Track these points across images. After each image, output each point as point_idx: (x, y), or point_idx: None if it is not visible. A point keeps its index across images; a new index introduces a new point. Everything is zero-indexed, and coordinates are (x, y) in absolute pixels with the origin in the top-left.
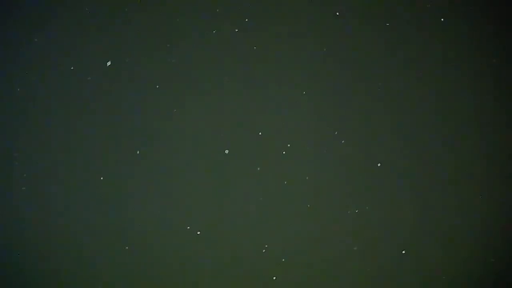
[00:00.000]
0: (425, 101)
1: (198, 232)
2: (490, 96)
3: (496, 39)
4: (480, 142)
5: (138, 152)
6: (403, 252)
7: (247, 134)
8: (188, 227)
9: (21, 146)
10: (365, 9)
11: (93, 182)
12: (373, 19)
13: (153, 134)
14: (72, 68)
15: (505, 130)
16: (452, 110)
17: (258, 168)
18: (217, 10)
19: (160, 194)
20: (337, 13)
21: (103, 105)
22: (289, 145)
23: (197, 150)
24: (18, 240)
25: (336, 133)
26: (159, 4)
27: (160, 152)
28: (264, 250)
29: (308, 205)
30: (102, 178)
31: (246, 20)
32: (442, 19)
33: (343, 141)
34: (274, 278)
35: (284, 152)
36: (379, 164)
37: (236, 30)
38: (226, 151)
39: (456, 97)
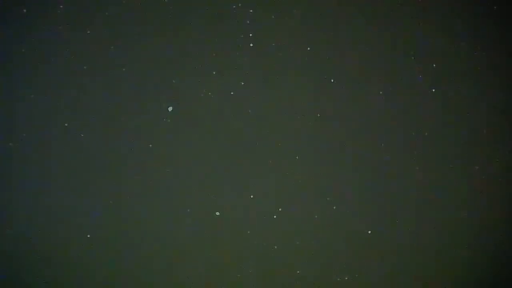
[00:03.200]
0: (425, 101)
1: None
2: (491, 96)
3: (496, 39)
4: (480, 142)
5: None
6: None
7: (239, 197)
8: None
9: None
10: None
11: (92, 182)
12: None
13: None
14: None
15: (505, 129)
16: (452, 110)
17: (248, 232)
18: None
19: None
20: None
21: (102, 106)
22: (280, 209)
23: (187, 212)
24: (17, 240)
25: (328, 199)
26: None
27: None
28: None
29: (298, 271)
30: (101, 179)
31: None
32: (444, 19)
33: (334, 207)
34: None
35: (275, 216)
36: (369, 232)
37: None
38: (217, 213)
39: (456, 97)
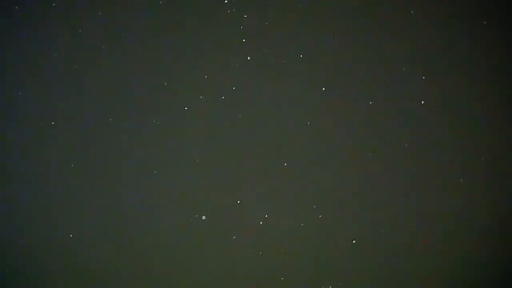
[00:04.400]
0: (425, 102)
1: None
2: (491, 95)
3: (496, 39)
4: (480, 142)
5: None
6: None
7: (226, 202)
8: None
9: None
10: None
11: (91, 182)
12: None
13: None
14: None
15: (505, 129)
16: (452, 110)
17: (234, 237)
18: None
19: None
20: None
21: (101, 106)
22: (266, 215)
23: (174, 215)
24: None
25: (314, 207)
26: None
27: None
28: None
29: (283, 278)
30: (101, 178)
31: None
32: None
33: (320, 216)
34: None
35: (261, 223)
36: (354, 241)
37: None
38: (203, 217)
39: (457, 97)
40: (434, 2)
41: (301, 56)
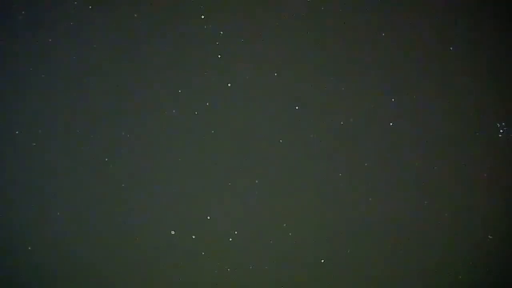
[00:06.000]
0: (426, 101)
1: None
2: (492, 95)
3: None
4: (481, 142)
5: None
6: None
7: (195, 217)
8: None
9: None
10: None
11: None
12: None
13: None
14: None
15: (505, 129)
16: (453, 110)
17: (203, 253)
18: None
19: None
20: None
21: (99, 108)
22: (236, 232)
23: (143, 230)
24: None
25: (284, 225)
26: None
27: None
28: None
29: None
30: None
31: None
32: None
33: (290, 234)
34: None
35: (230, 239)
36: (322, 261)
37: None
38: (173, 232)
39: (457, 97)
40: (402, 26)
41: (275, 74)
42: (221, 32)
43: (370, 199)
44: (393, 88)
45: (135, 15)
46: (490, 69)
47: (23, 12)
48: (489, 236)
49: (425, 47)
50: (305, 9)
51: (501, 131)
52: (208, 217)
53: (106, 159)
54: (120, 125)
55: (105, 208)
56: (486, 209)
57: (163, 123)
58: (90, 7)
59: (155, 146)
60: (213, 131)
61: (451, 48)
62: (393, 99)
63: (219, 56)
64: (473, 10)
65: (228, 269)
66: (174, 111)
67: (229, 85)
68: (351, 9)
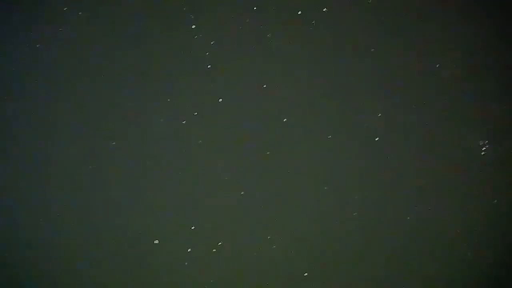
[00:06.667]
0: (426, 102)
1: None
2: (491, 95)
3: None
4: (480, 142)
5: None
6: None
7: (180, 227)
8: None
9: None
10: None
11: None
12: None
13: None
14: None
15: (505, 129)
16: (453, 110)
17: (186, 263)
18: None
19: None
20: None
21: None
22: (220, 243)
23: (127, 239)
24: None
25: (268, 237)
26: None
27: None
28: None
29: None
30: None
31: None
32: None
33: (274, 246)
34: None
35: (214, 250)
36: (305, 274)
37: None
38: (156, 241)
39: (457, 97)
40: (390, 42)
41: (264, 86)
42: (212, 42)
43: (354, 213)
44: (380, 103)
45: (123, 23)
46: (476, 85)
47: None
48: (468, 253)
49: (410, 64)
50: (297, 21)
51: (483, 149)
52: (193, 228)
53: (90, 167)
54: (106, 133)
55: (86, 216)
56: (470, 224)
57: (149, 132)
58: (80, 13)
59: (142, 155)
60: (200, 141)
61: (437, 66)
62: (379, 114)
63: (209, 66)
64: (462, 29)
65: (212, 281)
66: (162, 120)
67: (220, 100)
68: (338, 24)
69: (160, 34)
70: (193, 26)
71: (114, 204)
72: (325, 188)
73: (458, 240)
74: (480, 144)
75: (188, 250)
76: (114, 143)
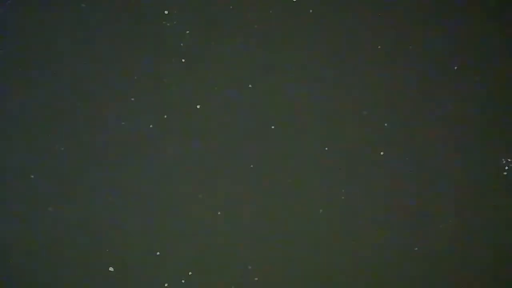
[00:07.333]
0: (426, 102)
1: None
2: (492, 95)
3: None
4: (481, 142)
5: None
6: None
7: (143, 255)
8: None
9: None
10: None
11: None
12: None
13: None
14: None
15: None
16: (453, 109)
17: (183, 281)
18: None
19: None
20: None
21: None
22: (190, 273)
23: (85, 267)
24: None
25: (250, 267)
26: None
27: None
28: None
29: None
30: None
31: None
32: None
33: (256, 279)
34: None
35: (183, 281)
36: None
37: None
38: (111, 269)
39: (457, 97)
40: (396, 50)
41: (250, 86)
42: (187, 32)
43: (345, 223)
44: (386, 114)
45: (91, 11)
46: (492, 98)
47: None
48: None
49: (423, 74)
50: (285, 16)
51: (506, 168)
52: (158, 253)
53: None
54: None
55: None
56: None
57: (112, 129)
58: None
59: (103, 168)
60: (172, 150)
61: (460, 83)
62: (386, 124)
63: (183, 60)
64: (476, 38)
65: None
66: (123, 123)
67: (198, 107)
68: (333, 24)
69: (126, 19)
70: (166, 12)
71: (104, 212)
72: (320, 210)
73: (480, 262)
74: (503, 162)
75: (154, 281)
76: (62, 148)
